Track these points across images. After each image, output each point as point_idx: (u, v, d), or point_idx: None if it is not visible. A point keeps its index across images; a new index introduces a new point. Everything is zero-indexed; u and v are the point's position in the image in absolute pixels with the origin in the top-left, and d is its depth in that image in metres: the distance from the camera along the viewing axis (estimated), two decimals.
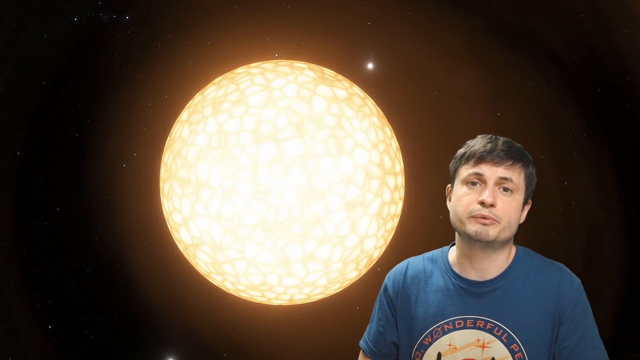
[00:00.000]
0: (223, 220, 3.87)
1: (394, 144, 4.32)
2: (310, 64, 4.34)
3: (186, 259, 4.40)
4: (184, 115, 4.25)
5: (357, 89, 4.31)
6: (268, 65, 4.21)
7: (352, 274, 4.27)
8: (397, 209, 4.32)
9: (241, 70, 4.23)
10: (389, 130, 4.31)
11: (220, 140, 3.87)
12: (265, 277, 4.04)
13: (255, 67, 4.21)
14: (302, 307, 4.61)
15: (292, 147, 3.81)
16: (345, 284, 4.39)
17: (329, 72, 4.30)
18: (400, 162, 4.32)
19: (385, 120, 4.36)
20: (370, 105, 4.24)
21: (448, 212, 2.59)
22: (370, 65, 4.75)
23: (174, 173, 4.06)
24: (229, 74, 4.27)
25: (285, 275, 4.02)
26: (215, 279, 4.28)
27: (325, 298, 4.46)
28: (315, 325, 4.82)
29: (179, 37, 4.77)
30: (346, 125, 3.94)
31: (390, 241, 4.41)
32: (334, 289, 4.36)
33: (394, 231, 4.39)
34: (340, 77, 4.34)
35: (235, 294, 4.37)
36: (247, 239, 3.88)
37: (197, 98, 4.25)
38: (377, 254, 4.35)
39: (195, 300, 4.82)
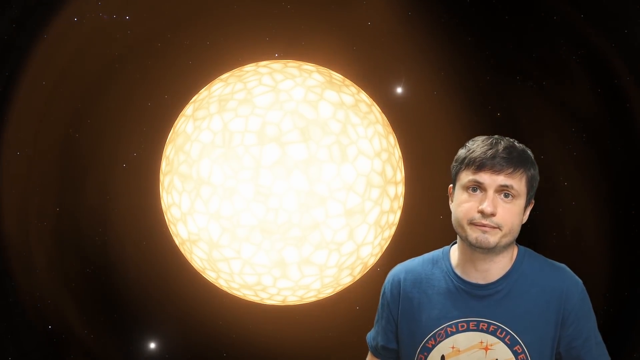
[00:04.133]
0: (222, 219, 3.86)
1: (397, 152, 4.32)
2: (318, 66, 4.33)
3: (182, 253, 4.40)
4: (188, 109, 4.23)
5: (363, 95, 4.30)
6: (276, 65, 4.20)
7: (346, 279, 4.29)
8: (396, 217, 4.33)
9: (249, 68, 4.22)
10: (392, 139, 4.31)
11: (224, 138, 3.85)
12: (260, 277, 4.04)
13: (264, 66, 4.19)
14: (298, 308, 4.62)
15: (296, 151, 3.80)
16: (339, 288, 4.40)
17: (337, 76, 4.30)
18: (401, 171, 4.33)
19: (390, 129, 4.36)
20: (375, 113, 4.24)
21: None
22: (399, 90, 4.76)
23: (175, 167, 4.05)
24: (236, 71, 4.25)
25: (280, 277, 4.02)
26: (210, 276, 4.29)
27: (323, 299, 4.48)
28: (314, 325, 4.83)
29: (179, 37, 4.76)
30: (351, 132, 3.94)
31: (387, 248, 4.43)
32: (327, 292, 4.37)
33: (390, 239, 4.41)
34: (348, 81, 4.33)
35: (228, 291, 4.37)
36: (244, 239, 3.88)
37: (203, 93, 4.23)
38: (372, 260, 4.36)
39: (189, 296, 4.82)
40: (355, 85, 4.36)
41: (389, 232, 4.33)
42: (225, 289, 4.36)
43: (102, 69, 4.77)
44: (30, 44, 4.63)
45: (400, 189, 4.30)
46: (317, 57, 4.47)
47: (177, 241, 4.33)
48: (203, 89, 4.33)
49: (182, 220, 4.06)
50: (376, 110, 4.29)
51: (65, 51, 4.71)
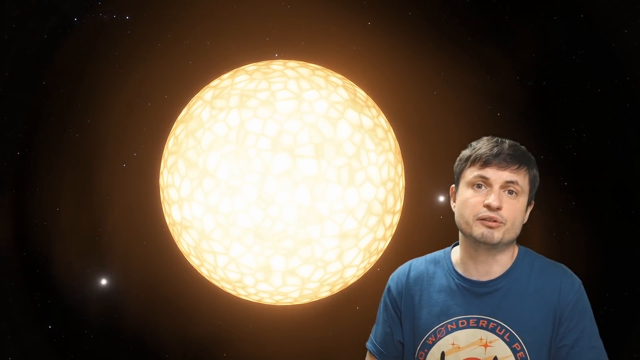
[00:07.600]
0: (219, 214, 3.86)
1: (402, 182, 4.33)
2: (345, 79, 4.31)
3: (170, 233, 4.40)
4: (207, 94, 4.16)
5: (382, 120, 4.28)
6: (305, 70, 4.15)
7: (324, 294, 4.35)
8: (386, 244, 4.36)
9: (278, 67, 4.16)
10: (400, 168, 4.32)
11: (238, 136, 3.82)
12: (242, 276, 4.07)
13: (292, 68, 4.14)
14: (290, 308, 4.63)
15: (306, 165, 3.80)
16: (315, 299, 4.45)
17: (361, 94, 4.26)
18: (401, 201, 4.34)
19: (400, 157, 4.36)
20: (390, 140, 4.23)
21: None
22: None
23: (183, 150, 4.01)
24: (263, 67, 4.20)
25: (262, 281, 4.06)
26: (193, 261, 4.30)
27: (323, 299, 4.50)
28: (314, 325, 4.89)
29: (179, 37, 4.72)
30: (363, 157, 3.93)
31: (370, 269, 4.49)
32: (304, 302, 4.42)
33: (375, 263, 4.45)
34: (370, 102, 4.30)
35: (209, 279, 4.40)
36: (236, 239, 3.89)
37: (226, 81, 4.16)
38: (353, 280, 4.42)
39: (173, 280, 4.85)
40: (376, 106, 4.34)
41: (376, 258, 4.37)
42: (206, 277, 4.38)
43: (102, 69, 4.72)
44: (30, 44, 4.56)
45: (397, 218, 4.33)
46: (317, 57, 4.44)
47: (167, 220, 4.32)
48: (226, 76, 4.26)
49: (178, 204, 4.04)
50: (391, 137, 4.28)
51: (65, 51, 4.66)
